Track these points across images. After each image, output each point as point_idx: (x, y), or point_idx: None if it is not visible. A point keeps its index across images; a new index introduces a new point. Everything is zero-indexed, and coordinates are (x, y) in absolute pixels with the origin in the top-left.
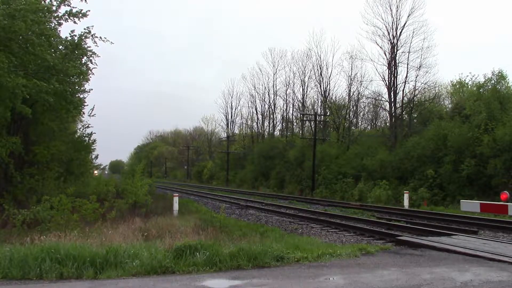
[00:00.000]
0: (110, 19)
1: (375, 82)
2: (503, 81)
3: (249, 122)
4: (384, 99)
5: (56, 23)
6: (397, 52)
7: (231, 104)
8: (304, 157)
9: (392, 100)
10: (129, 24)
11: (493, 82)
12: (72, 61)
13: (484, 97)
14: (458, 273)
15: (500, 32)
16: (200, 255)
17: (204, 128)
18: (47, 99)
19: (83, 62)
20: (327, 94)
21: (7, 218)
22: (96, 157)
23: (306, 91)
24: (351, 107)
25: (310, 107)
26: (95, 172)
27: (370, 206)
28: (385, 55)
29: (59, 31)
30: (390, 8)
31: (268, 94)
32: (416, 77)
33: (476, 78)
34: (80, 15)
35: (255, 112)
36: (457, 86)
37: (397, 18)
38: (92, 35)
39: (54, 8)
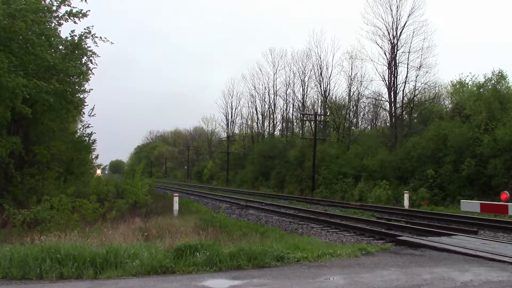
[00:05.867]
0: (110, 18)
1: (375, 82)
2: (503, 81)
3: (249, 122)
4: (384, 99)
5: (56, 23)
6: (397, 52)
7: (231, 104)
8: (304, 157)
9: (392, 100)
10: (129, 23)
11: (493, 82)
12: (72, 61)
13: (484, 97)
14: (458, 273)
15: (500, 32)
16: (200, 255)
17: (204, 128)
18: (47, 99)
19: (83, 62)
20: (327, 94)
21: (7, 218)
22: (96, 157)
23: (306, 91)
24: (351, 107)
25: (310, 107)
26: (98, 171)
27: (370, 206)
28: (385, 55)
29: (59, 31)
30: (390, 8)
31: (268, 94)
32: (416, 77)
33: (476, 78)
34: (80, 15)
35: (255, 112)
36: (457, 86)
37: (397, 18)
38: (92, 35)
39: (54, 8)
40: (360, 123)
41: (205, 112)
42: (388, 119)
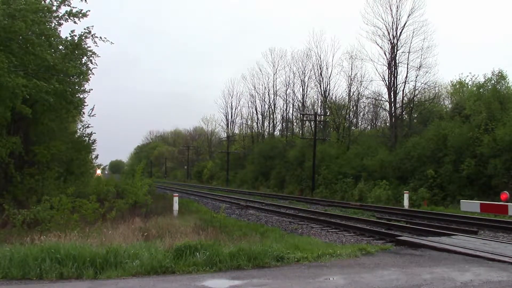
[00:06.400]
0: (110, 19)
1: (375, 82)
2: (503, 81)
3: (249, 122)
4: (384, 99)
5: (56, 23)
6: (397, 52)
7: (231, 104)
8: (304, 157)
9: (392, 100)
10: (129, 23)
11: (493, 82)
12: (72, 61)
13: (484, 97)
14: (458, 273)
15: (500, 32)
16: (200, 255)
17: (204, 128)
18: (47, 99)
19: (83, 62)
20: (327, 94)
21: (7, 218)
22: (96, 157)
23: (306, 91)
24: (351, 107)
25: (310, 107)
26: (98, 171)
27: (370, 206)
28: (385, 55)
29: (59, 31)
30: (390, 8)
31: (268, 94)
32: (416, 77)
33: (476, 78)
34: (80, 15)
35: (255, 112)
36: (457, 86)
37: (397, 18)
38: (92, 35)
39: (54, 8)
40: (360, 123)
41: (205, 112)
42: (388, 119)
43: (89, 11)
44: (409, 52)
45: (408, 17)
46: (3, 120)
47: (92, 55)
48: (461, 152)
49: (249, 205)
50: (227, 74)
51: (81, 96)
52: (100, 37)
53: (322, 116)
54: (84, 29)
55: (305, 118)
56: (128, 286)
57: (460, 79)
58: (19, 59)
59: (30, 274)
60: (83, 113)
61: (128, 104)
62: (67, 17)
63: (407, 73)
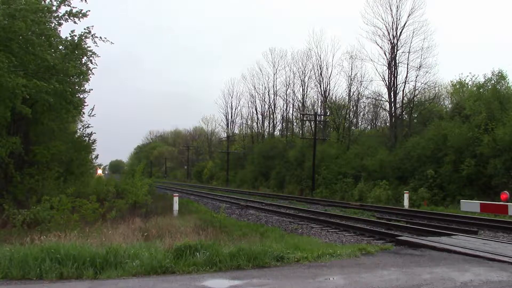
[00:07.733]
0: (110, 19)
1: (375, 82)
2: (503, 81)
3: (249, 122)
4: (384, 99)
5: (56, 23)
6: (397, 52)
7: (231, 104)
8: (304, 157)
9: (392, 100)
10: (130, 23)
11: (493, 82)
12: (72, 61)
13: (484, 97)
14: (458, 273)
15: (500, 32)
16: (200, 255)
17: (204, 128)
18: (47, 99)
19: (83, 62)
20: (327, 94)
21: (7, 218)
22: (96, 157)
23: (306, 91)
24: (351, 107)
25: (310, 107)
26: (99, 171)
27: (370, 206)
28: (385, 55)
29: (59, 31)
30: (390, 8)
31: (268, 94)
32: (416, 77)
33: (476, 78)
34: (80, 15)
35: (255, 112)
36: (457, 86)
37: (397, 18)
38: (92, 35)
39: (54, 8)
40: (360, 123)
41: (205, 112)
42: (388, 119)
43: (89, 11)
44: (409, 52)
45: (408, 17)
46: (3, 120)
47: (92, 55)
48: (461, 152)
49: (249, 205)
50: (227, 74)
51: (81, 96)
52: (100, 37)
53: (322, 116)
54: (84, 29)
55: (305, 118)
56: (128, 286)
57: (460, 79)
58: (19, 59)
59: (30, 274)
60: (83, 113)
61: (128, 104)
62: (67, 17)
63: (407, 73)
